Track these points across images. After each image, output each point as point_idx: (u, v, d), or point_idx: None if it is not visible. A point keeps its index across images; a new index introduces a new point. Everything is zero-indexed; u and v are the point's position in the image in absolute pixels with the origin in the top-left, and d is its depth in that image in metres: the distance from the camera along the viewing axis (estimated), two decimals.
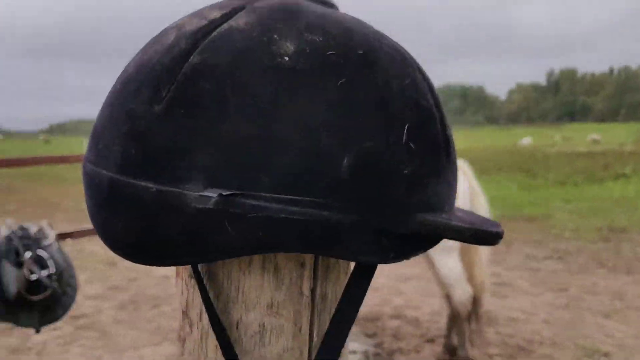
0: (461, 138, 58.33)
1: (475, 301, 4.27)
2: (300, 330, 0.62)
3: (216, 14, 0.58)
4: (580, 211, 12.00)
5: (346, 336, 0.62)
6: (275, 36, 0.55)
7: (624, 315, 5.70)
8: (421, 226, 0.56)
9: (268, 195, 0.51)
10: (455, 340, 4.42)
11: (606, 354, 4.75)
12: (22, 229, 3.81)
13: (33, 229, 3.84)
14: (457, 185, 0.64)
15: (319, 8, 0.60)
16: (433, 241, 0.59)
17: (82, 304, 6.61)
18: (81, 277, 7.93)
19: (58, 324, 5.87)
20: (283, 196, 0.51)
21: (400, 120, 0.55)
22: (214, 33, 0.56)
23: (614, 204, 12.74)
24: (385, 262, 0.58)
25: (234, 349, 0.62)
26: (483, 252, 4.31)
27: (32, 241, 3.77)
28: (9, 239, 3.68)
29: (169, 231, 0.54)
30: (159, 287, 7.18)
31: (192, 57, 0.55)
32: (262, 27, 0.56)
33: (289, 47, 0.54)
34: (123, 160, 0.57)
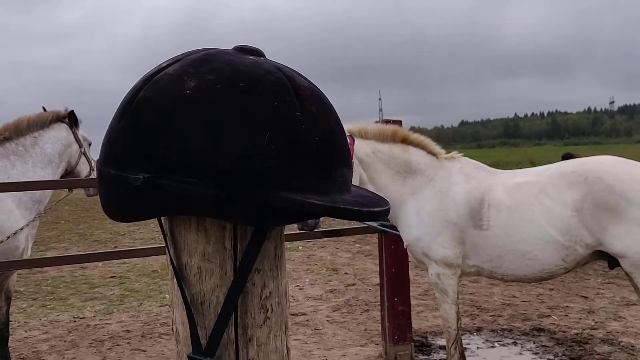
0: None
1: None
2: (225, 273, 0.90)
3: (165, 64, 0.92)
4: None
5: (247, 275, 0.89)
6: (185, 77, 0.87)
7: None
8: (281, 201, 0.82)
9: (175, 178, 0.83)
10: None
11: None
12: None
13: None
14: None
15: (232, 57, 0.90)
16: (302, 215, 0.87)
17: (302, 303, 7.32)
18: (306, 279, 8.73)
19: None
20: (185, 179, 0.82)
21: (264, 130, 0.83)
22: (156, 76, 0.89)
23: None
24: (262, 225, 0.87)
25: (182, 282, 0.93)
26: None
27: None
28: None
29: (123, 199, 0.89)
30: (371, 293, 7.62)
31: (141, 92, 0.89)
32: (181, 71, 0.88)
33: (191, 84, 0.85)
34: (103, 157, 0.92)
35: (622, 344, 5.48)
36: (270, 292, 0.91)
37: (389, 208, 0.93)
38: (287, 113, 0.85)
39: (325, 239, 12.14)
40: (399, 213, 4.32)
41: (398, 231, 4.49)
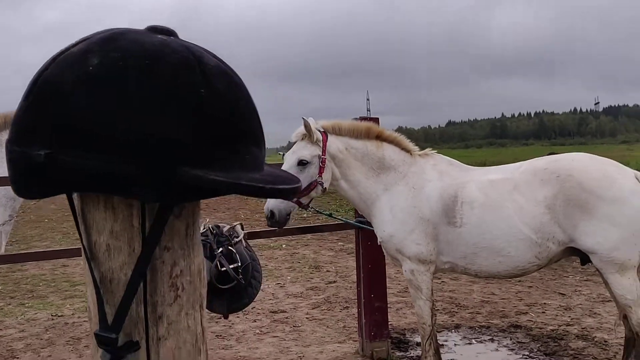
0: None
1: None
2: (134, 250, 0.91)
3: (72, 43, 0.93)
4: None
5: (152, 252, 0.90)
6: (89, 55, 0.87)
7: None
8: (182, 177, 0.83)
9: (77, 154, 0.83)
10: None
11: None
12: (217, 227, 4.47)
13: (225, 228, 4.48)
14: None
15: (139, 36, 0.91)
16: (205, 191, 0.88)
17: (283, 300, 7.33)
18: (288, 277, 8.74)
19: (259, 316, 6.61)
20: (87, 155, 0.83)
21: (166, 106, 0.84)
22: (62, 55, 0.90)
23: None
24: (166, 202, 0.87)
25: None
26: None
27: (224, 239, 4.41)
28: (204, 235, 4.35)
29: (29, 175, 0.89)
30: (352, 290, 7.63)
31: (46, 71, 0.90)
32: (86, 49, 0.89)
33: (94, 61, 0.86)
34: (10, 135, 0.92)
35: (595, 339, 5.54)
36: (181, 271, 0.92)
37: (298, 187, 0.94)
38: (191, 90, 0.86)
39: (309, 237, 12.23)
40: (373, 209, 4.34)
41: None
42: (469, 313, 6.60)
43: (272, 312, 6.77)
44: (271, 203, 4.10)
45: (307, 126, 4.11)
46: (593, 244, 3.84)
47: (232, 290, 4.38)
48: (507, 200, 4.00)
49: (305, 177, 4.10)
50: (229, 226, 4.61)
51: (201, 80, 0.88)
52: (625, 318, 4.11)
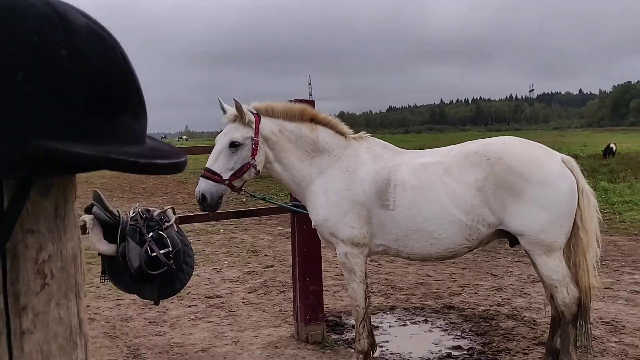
0: (637, 139, 53.54)
1: (582, 305, 4.07)
2: None
3: None
4: None
5: (9, 233, 0.81)
6: None
7: None
8: (39, 150, 0.74)
9: None
10: (558, 343, 4.25)
11: None
12: (147, 211, 4.32)
13: (156, 212, 4.34)
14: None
15: None
16: (68, 166, 0.79)
17: (219, 285, 7.22)
18: (225, 261, 8.62)
19: (194, 302, 6.49)
20: None
21: (17, 68, 0.74)
22: None
23: None
24: (23, 178, 0.79)
25: None
26: (590, 254, 4.09)
27: (155, 223, 4.27)
28: (134, 219, 4.21)
29: None
30: (289, 274, 7.57)
31: None
32: None
33: None
34: None
35: (525, 318, 5.69)
36: (49, 256, 0.83)
37: (180, 162, 0.86)
38: (48, 50, 0.76)
39: (248, 222, 12.11)
40: (307, 193, 4.29)
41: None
42: (404, 295, 6.67)
43: (208, 297, 6.67)
44: (202, 186, 3.99)
45: (238, 107, 4.01)
46: (521, 226, 3.91)
47: (163, 276, 4.28)
48: (439, 183, 4.02)
49: (237, 160, 4.02)
50: (159, 210, 4.50)
51: (62, 39, 0.78)
52: (552, 298, 4.22)
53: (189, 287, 7.10)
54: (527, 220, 3.89)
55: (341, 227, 4.17)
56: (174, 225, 4.44)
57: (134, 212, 4.34)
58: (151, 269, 4.16)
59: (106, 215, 4.02)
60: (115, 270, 4.01)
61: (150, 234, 4.23)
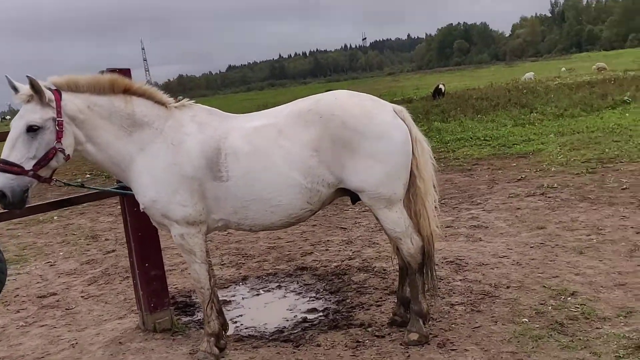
0: (462, 78, 57.39)
1: (426, 253, 4.08)
2: None
3: None
4: (572, 143, 11.70)
5: None
6: None
7: (598, 250, 5.52)
8: None
9: None
10: (408, 292, 4.27)
11: (573, 294, 4.58)
12: None
13: None
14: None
15: None
16: None
17: (53, 281, 6.55)
18: (60, 252, 7.86)
19: (23, 305, 5.81)
20: None
21: None
22: None
23: (609, 134, 12.40)
24: None
25: None
26: (429, 202, 4.09)
27: None
28: None
29: None
30: None
31: None
32: None
33: None
34: None
35: (375, 269, 5.72)
36: None
37: None
38: None
39: (86, 205, 11.20)
40: (130, 173, 3.86)
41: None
42: (256, 262, 6.47)
43: (40, 297, 6.00)
44: (0, 182, 3.40)
45: (34, 84, 3.43)
46: (360, 182, 3.79)
47: None
48: (273, 146, 3.77)
49: (40, 145, 3.46)
50: None
51: None
52: (397, 249, 4.18)
53: (18, 288, 6.38)
54: (365, 175, 3.76)
55: (173, 207, 3.80)
56: None
57: None
58: None
59: None
60: None
61: None
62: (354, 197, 4.04)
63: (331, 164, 3.75)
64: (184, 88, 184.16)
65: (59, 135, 3.51)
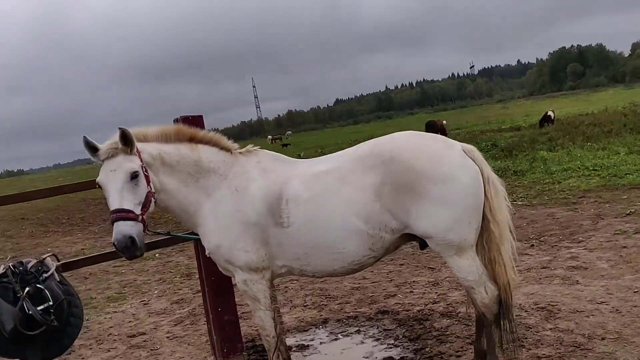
0: (576, 103, 54.74)
1: (504, 303, 3.79)
2: None
3: None
4: None
5: None
6: None
7: None
8: None
9: None
10: (485, 345, 3.97)
11: None
12: (20, 264, 3.86)
13: (31, 264, 3.88)
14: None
15: None
16: None
17: (143, 320, 6.74)
18: (155, 291, 8.13)
19: (114, 345, 6.00)
20: None
21: None
22: None
23: None
24: None
25: None
26: (505, 247, 3.80)
27: (31, 276, 3.81)
28: (4, 276, 3.74)
29: None
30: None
31: None
32: None
33: None
34: None
35: (460, 315, 5.41)
36: None
37: None
38: None
39: (187, 243, 11.56)
40: (197, 219, 3.89)
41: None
42: (338, 304, 6.33)
43: (130, 337, 6.19)
44: (124, 229, 3.37)
45: (128, 135, 3.50)
46: (427, 228, 3.59)
47: (46, 334, 3.80)
48: (333, 192, 3.67)
49: (142, 191, 3.53)
50: (35, 260, 4.01)
51: None
52: (472, 299, 3.92)
53: (112, 327, 6.63)
54: (432, 221, 3.56)
55: (236, 253, 3.79)
56: (55, 275, 3.98)
57: (3, 269, 3.87)
58: (29, 328, 3.71)
59: None
60: None
61: (27, 289, 3.77)
62: (423, 243, 3.84)
63: (394, 209, 3.59)
64: (293, 123, 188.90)
65: (148, 180, 3.59)
